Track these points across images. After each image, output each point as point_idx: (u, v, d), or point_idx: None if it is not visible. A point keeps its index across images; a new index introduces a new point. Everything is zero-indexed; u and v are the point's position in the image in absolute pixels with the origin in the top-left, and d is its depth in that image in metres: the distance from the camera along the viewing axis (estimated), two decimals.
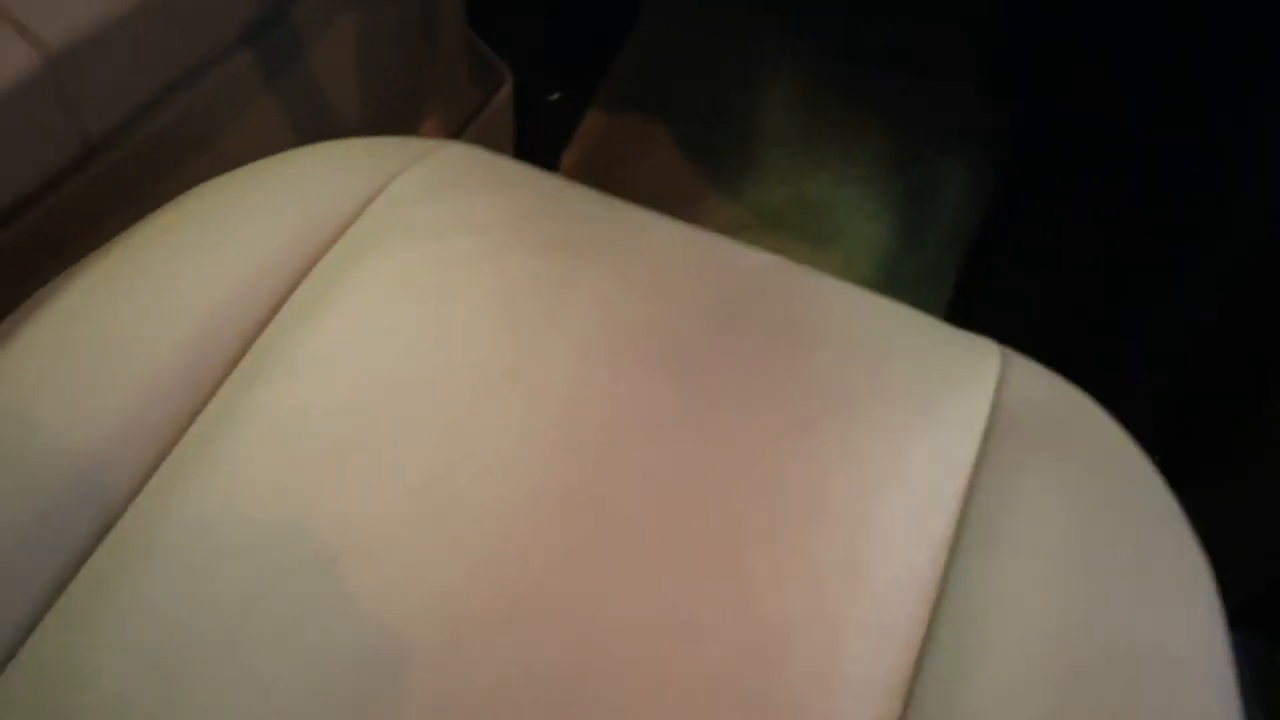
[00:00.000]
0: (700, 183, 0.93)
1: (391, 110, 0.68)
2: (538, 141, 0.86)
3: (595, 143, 0.94)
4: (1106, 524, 0.35)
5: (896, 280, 0.88)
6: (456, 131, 0.74)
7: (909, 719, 0.30)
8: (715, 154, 0.94)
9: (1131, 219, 0.78)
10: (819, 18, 1.01)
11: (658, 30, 0.99)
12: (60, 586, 0.32)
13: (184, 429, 0.35)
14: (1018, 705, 0.31)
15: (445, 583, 0.32)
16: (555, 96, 0.89)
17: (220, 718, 0.29)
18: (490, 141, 0.59)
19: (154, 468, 0.34)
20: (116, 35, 0.44)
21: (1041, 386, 0.40)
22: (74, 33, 0.42)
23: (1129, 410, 0.42)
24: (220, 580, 0.32)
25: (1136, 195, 0.78)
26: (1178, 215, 0.74)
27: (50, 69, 0.41)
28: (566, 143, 0.93)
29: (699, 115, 0.96)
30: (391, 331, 0.38)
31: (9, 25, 0.41)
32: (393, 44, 0.66)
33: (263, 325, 0.38)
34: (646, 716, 0.30)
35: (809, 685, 0.31)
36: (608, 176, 0.92)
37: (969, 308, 0.84)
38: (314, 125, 0.61)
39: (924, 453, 0.36)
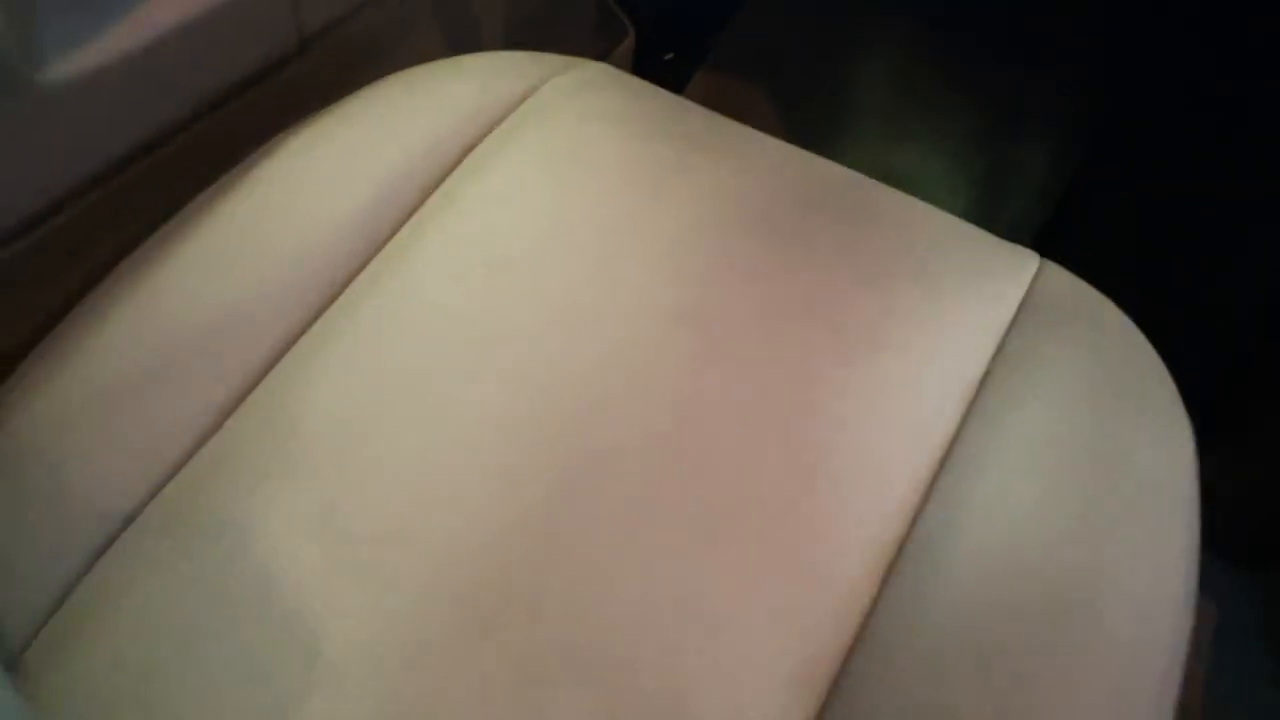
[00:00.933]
0: None
1: (527, 44, 0.77)
2: None
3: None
4: (1107, 382, 0.43)
5: None
6: None
7: (931, 501, 0.38)
8: (807, 123, 1.01)
9: (1218, 205, 0.83)
10: None
11: (768, 2, 1.07)
12: (296, 337, 0.42)
13: (380, 246, 0.45)
14: (1018, 491, 0.39)
15: (580, 365, 0.41)
16: (669, 57, 0.97)
17: (418, 430, 0.39)
18: None
19: (359, 270, 0.44)
20: None
21: (1073, 286, 0.48)
22: None
23: (1184, 360, 0.49)
24: (418, 327, 0.42)
25: (1227, 181, 0.82)
26: (1263, 201, 0.78)
27: None
28: None
29: (797, 85, 1.03)
30: (539, 187, 0.47)
31: None
32: None
33: (439, 181, 0.47)
34: (735, 466, 0.39)
35: (856, 459, 0.39)
36: None
37: None
38: (462, 49, 0.70)
39: (966, 314, 0.44)
